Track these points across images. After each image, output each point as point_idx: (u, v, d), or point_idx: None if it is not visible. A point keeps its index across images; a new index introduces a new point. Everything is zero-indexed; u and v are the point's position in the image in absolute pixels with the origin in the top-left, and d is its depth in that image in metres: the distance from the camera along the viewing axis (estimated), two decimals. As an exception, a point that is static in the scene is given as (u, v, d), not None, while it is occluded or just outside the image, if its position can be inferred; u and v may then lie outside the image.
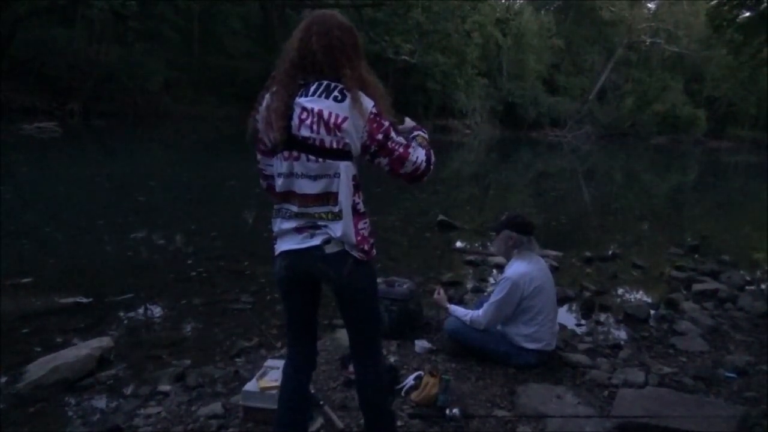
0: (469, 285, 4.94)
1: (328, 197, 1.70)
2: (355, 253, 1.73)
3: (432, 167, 1.82)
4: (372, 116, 1.68)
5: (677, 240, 7.41)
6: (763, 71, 20.45)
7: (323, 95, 1.67)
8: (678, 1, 42.78)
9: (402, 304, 3.40)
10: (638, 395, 2.63)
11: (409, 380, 2.75)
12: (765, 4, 9.23)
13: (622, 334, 3.93)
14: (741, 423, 2.38)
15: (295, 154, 1.69)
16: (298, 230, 1.75)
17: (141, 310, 3.92)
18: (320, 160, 1.68)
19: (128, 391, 2.78)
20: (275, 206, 1.81)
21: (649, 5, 46.67)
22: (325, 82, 1.69)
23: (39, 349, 3.09)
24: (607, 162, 23.99)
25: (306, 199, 1.71)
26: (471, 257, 5.80)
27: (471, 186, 13.26)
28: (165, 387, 2.78)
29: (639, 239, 7.68)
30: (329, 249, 1.71)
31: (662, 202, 12.75)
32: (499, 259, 5.06)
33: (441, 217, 7.26)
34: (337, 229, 1.70)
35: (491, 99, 38.75)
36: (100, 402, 2.67)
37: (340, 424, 2.36)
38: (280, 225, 1.79)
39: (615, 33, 42.65)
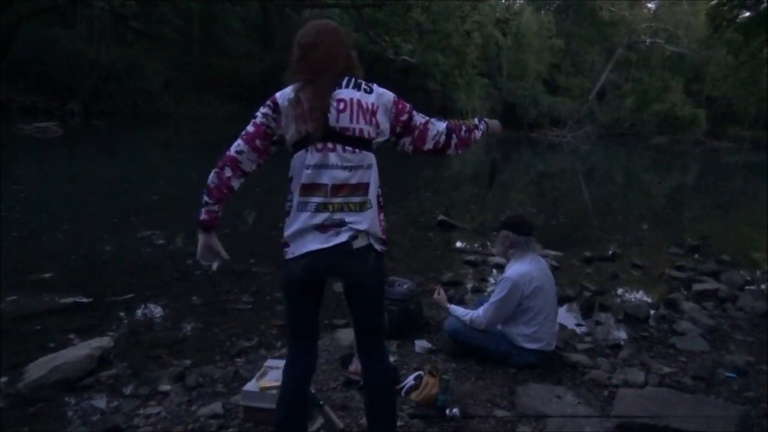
0: (469, 285, 4.94)
1: (359, 188, 1.76)
2: (377, 246, 1.81)
3: (455, 141, 1.95)
4: (396, 99, 1.85)
5: (677, 240, 7.41)
6: (763, 71, 20.46)
7: (354, 88, 1.79)
8: (678, 1, 42.76)
9: (402, 304, 3.40)
10: (638, 395, 2.63)
11: (409, 380, 2.75)
12: (765, 4, 9.24)
13: (622, 334, 3.93)
14: (741, 423, 2.38)
15: (330, 145, 1.73)
16: (321, 229, 1.74)
17: (141, 310, 3.92)
18: (357, 150, 1.76)
19: (128, 391, 2.78)
20: (299, 200, 1.76)
21: (649, 5, 46.67)
22: (353, 78, 1.81)
23: (39, 349, 3.09)
24: (607, 162, 23.99)
25: (340, 189, 1.74)
26: (471, 257, 5.80)
27: (471, 186, 13.25)
28: (165, 387, 2.78)
29: (639, 239, 7.67)
30: (357, 244, 1.75)
31: (662, 202, 12.75)
32: (499, 259, 5.06)
33: (441, 217, 7.26)
34: (363, 221, 1.76)
35: (491, 99, 38.73)
36: (100, 402, 2.67)
37: (340, 424, 2.36)
38: (302, 221, 1.75)
39: (615, 33, 42.59)
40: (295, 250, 1.77)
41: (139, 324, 3.70)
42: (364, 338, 1.94)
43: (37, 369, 2.78)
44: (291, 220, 1.79)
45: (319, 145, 1.73)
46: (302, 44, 1.81)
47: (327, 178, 1.73)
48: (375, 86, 1.83)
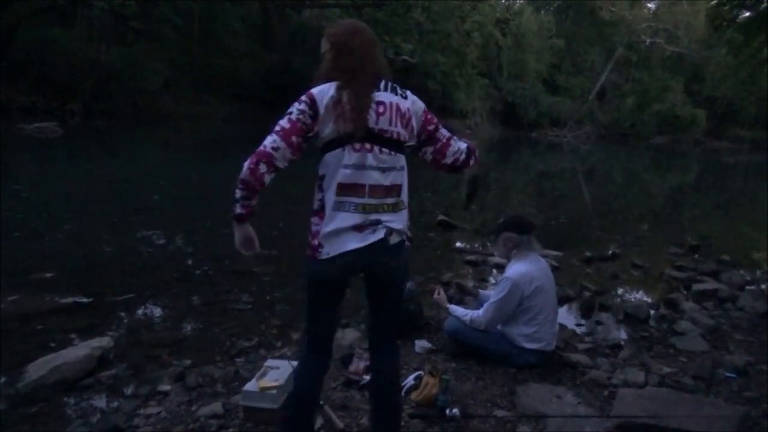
0: (469, 285, 4.94)
1: (393, 189, 1.81)
2: (407, 242, 1.88)
3: (473, 160, 2.02)
4: (425, 109, 1.91)
5: (677, 240, 7.41)
6: (763, 71, 20.47)
7: (392, 92, 1.83)
8: (678, 1, 42.76)
9: (402, 304, 3.40)
10: (638, 395, 2.63)
11: (409, 380, 2.75)
12: (765, 4, 9.24)
13: (622, 334, 3.93)
14: (741, 423, 2.38)
15: (367, 146, 1.76)
16: (358, 228, 1.75)
17: (141, 310, 3.92)
18: (392, 153, 1.80)
19: (128, 391, 2.78)
20: (336, 199, 1.75)
21: (649, 5, 46.65)
22: (389, 82, 1.84)
23: (39, 349, 3.09)
24: (607, 162, 23.99)
25: (376, 191, 1.77)
26: (471, 257, 5.80)
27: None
28: (165, 387, 2.78)
29: (639, 239, 7.68)
30: (393, 240, 1.80)
31: (662, 202, 12.75)
32: (499, 259, 5.06)
33: (441, 217, 7.25)
34: (399, 221, 1.82)
35: (491, 99, 38.73)
36: (100, 402, 2.67)
37: (340, 424, 2.36)
38: (339, 222, 1.75)
39: (615, 33, 42.56)
40: (330, 251, 1.76)
41: (139, 324, 3.70)
42: (382, 335, 1.98)
43: (37, 369, 2.78)
44: (327, 220, 1.77)
45: (357, 146, 1.74)
46: (337, 43, 1.81)
47: (366, 178, 1.75)
48: (408, 92, 1.88)
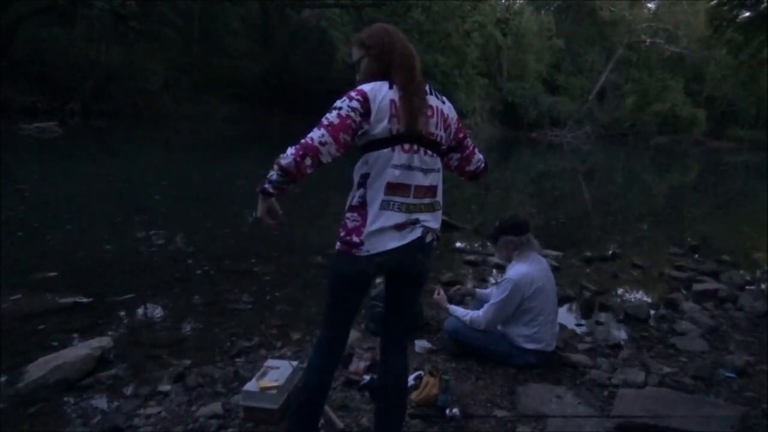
0: (469, 285, 4.93)
1: (431, 190, 1.86)
2: (435, 242, 1.94)
3: (487, 172, 2.13)
4: (458, 117, 1.98)
5: (677, 240, 7.41)
6: (763, 71, 20.47)
7: (435, 96, 1.89)
8: (678, 1, 42.76)
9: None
10: (638, 395, 2.63)
11: (409, 380, 2.75)
12: (765, 4, 9.25)
13: (622, 334, 3.93)
14: (741, 423, 2.39)
15: (415, 147, 1.79)
16: (399, 227, 1.79)
17: (141, 310, 3.92)
18: (434, 155, 1.85)
19: (128, 391, 2.78)
20: (383, 198, 1.76)
21: (649, 5, 46.71)
22: (431, 87, 1.89)
23: (39, 349, 3.09)
24: (607, 162, 23.99)
25: (418, 191, 1.81)
26: (471, 257, 5.80)
27: (471, 186, 13.25)
28: (165, 387, 2.78)
29: (639, 239, 7.67)
30: (428, 238, 1.87)
31: (662, 202, 12.75)
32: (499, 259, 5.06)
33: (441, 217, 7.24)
34: (435, 220, 1.89)
35: (491, 99, 38.74)
36: (100, 402, 2.67)
37: (340, 424, 2.36)
38: (384, 220, 1.76)
39: (615, 33, 42.59)
40: (371, 248, 1.76)
41: (139, 324, 3.70)
42: (395, 335, 2.00)
43: (37, 369, 2.78)
44: (372, 218, 1.76)
45: (407, 146, 1.77)
46: (379, 43, 1.83)
47: (412, 179, 1.79)
48: (445, 98, 1.94)
